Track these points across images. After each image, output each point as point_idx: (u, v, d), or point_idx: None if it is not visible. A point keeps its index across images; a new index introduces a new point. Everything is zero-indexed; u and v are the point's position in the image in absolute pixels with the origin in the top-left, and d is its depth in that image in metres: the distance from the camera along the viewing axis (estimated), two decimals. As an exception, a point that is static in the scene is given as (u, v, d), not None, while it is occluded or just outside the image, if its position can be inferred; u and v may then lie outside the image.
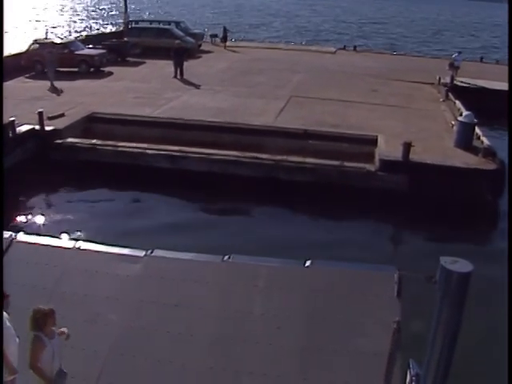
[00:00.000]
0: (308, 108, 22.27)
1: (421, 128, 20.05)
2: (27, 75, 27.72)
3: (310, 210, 15.90)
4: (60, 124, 19.18)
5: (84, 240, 10.22)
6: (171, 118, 19.95)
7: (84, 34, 39.45)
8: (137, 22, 41.73)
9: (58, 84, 25.64)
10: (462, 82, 29.16)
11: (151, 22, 41.86)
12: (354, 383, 7.60)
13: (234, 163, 16.85)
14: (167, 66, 28.66)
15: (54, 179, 17.21)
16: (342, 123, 20.18)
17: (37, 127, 18.42)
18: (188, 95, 23.88)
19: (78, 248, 9.78)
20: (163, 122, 19.75)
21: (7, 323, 6.62)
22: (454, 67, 29.66)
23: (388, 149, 17.24)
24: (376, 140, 18.26)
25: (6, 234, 10.00)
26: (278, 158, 16.98)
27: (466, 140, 17.89)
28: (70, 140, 18.48)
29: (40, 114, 18.48)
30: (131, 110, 21.10)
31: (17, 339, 6.74)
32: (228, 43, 42.77)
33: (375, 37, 67.57)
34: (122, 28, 40.93)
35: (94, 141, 18.42)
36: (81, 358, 7.68)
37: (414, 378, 6.39)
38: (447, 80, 28.61)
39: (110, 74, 29.04)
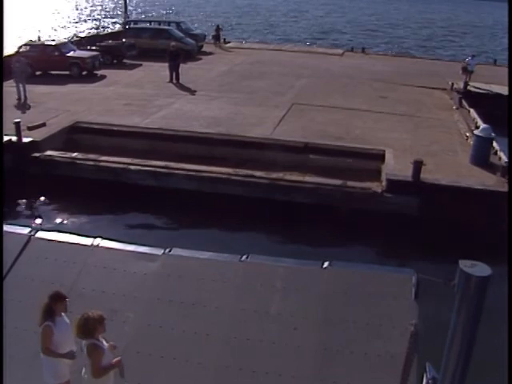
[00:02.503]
0: (310, 117, 20.62)
1: (432, 140, 18.39)
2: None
3: (307, 235, 14.31)
4: (39, 135, 17.66)
5: (102, 237, 10.02)
6: (160, 129, 18.35)
7: (82, 35, 37.74)
8: (136, 22, 40.23)
9: (47, 89, 24.22)
10: (475, 87, 27.40)
11: (150, 22, 40.26)
12: None
13: (225, 182, 15.25)
14: (164, 69, 27.07)
15: (28, 196, 15.84)
16: (346, 135, 18.53)
17: (13, 139, 16.90)
18: (181, 102, 22.25)
19: (97, 245, 9.74)
20: (151, 133, 18.14)
21: (67, 328, 6.56)
22: (467, 71, 27.95)
23: (396, 166, 15.61)
24: (383, 155, 16.61)
25: (25, 231, 10.04)
26: (275, 176, 15.36)
27: (482, 156, 16.23)
28: (48, 153, 16.94)
29: (17, 124, 16.97)
30: (119, 118, 19.55)
31: (74, 347, 6.59)
32: (232, 44, 41.46)
33: (385, 38, 65.72)
34: (120, 28, 39.43)
35: (74, 154, 16.87)
36: None
37: (430, 382, 6.34)
38: (460, 85, 26.90)
39: (103, 77, 27.49)
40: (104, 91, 24.14)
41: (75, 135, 18.68)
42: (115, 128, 18.50)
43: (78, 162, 16.56)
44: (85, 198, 15.49)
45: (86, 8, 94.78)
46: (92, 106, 21.26)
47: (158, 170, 15.82)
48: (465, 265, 4.89)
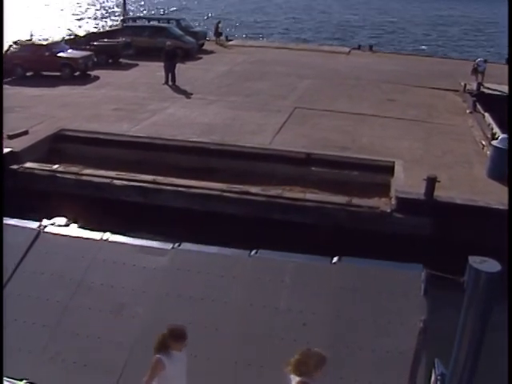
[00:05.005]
0: (313, 123, 19.16)
1: (446, 150, 16.91)
2: (7, 79, 24.69)
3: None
4: (20, 144, 16.30)
5: (112, 232, 9.98)
6: (149, 138, 16.95)
7: (80, 34, 36.10)
8: (134, 19, 38.81)
9: (36, 91, 22.88)
10: (489, 88, 25.83)
11: (149, 19, 38.79)
12: (379, 381, 7.45)
13: (217, 199, 13.82)
14: (161, 69, 25.47)
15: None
16: (352, 144, 17.08)
17: (-10, 149, 15.57)
18: (176, 107, 20.82)
19: (106, 240, 9.74)
20: (140, 143, 16.76)
21: (182, 364, 6.27)
22: (477, 72, 26.37)
23: (407, 181, 14.16)
24: (392, 167, 15.17)
25: (35, 225, 10.07)
26: (272, 192, 13.92)
27: (500, 169, 14.66)
28: (28, 165, 15.56)
29: (-6, 133, 15.66)
30: (107, 125, 18.20)
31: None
32: (234, 42, 40.08)
33: (395, 36, 63.96)
34: (118, 26, 37.99)
35: (54, 167, 15.50)
36: (106, 349, 7.82)
37: (439, 378, 6.31)
38: (473, 86, 25.37)
39: (96, 78, 26.12)
40: (94, 94, 22.76)
41: (59, 144, 17.37)
42: (101, 137, 17.15)
43: (58, 175, 15.20)
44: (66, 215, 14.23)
45: (86, 5, 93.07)
46: (79, 111, 19.89)
47: (145, 185, 14.42)
48: (474, 261, 4.89)
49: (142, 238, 10.11)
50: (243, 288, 8.87)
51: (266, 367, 7.75)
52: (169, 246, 9.64)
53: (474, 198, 13.38)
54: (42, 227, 10.08)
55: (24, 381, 7.05)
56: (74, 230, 10.25)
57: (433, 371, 6.69)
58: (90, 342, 7.74)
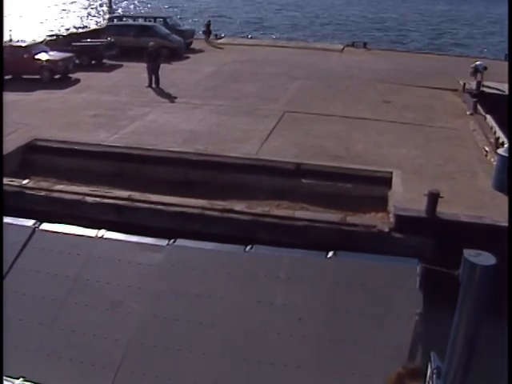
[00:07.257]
0: (304, 129, 17.92)
1: (447, 158, 15.70)
2: (-17, 84, 23.39)
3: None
4: (-13, 157, 15.07)
5: (107, 229, 9.93)
6: (128, 148, 15.70)
7: (63, 34, 34.57)
8: (120, 18, 37.51)
9: (12, 96, 21.57)
10: (489, 87, 24.63)
11: (135, 18, 37.50)
12: (375, 375, 7.38)
13: (199, 218, 12.59)
14: (146, 70, 24.25)
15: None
16: (346, 152, 15.87)
17: (-46, 163, 14.34)
18: (158, 112, 19.54)
19: (101, 237, 9.70)
20: (117, 154, 15.51)
21: None
22: (476, 73, 25.12)
23: (406, 195, 12.97)
24: (390, 179, 13.99)
25: (30, 223, 10.06)
26: (259, 210, 12.68)
27: (507, 180, 13.57)
28: (-5, 180, 14.34)
29: (-42, 145, 14.43)
30: (83, 134, 16.96)
31: None
32: (224, 40, 38.79)
33: (389, 32, 62.74)
34: (103, 26, 36.63)
35: (24, 182, 14.25)
36: (102, 346, 7.82)
37: (435, 371, 6.29)
38: (473, 86, 24.17)
39: (77, 81, 24.85)
40: (74, 99, 21.48)
41: (32, 155, 16.16)
42: (76, 147, 15.91)
43: (27, 191, 13.95)
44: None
45: (75, 3, 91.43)
46: (56, 118, 18.64)
47: (120, 202, 13.16)
48: (469, 254, 4.90)
49: (137, 234, 9.98)
50: (239, 284, 8.84)
51: (263, 362, 7.79)
52: (164, 242, 9.63)
53: (480, 213, 12.20)
54: (37, 224, 10.04)
55: (21, 379, 7.13)
56: (69, 227, 10.12)
57: (429, 364, 6.74)
58: (87, 339, 7.85)
